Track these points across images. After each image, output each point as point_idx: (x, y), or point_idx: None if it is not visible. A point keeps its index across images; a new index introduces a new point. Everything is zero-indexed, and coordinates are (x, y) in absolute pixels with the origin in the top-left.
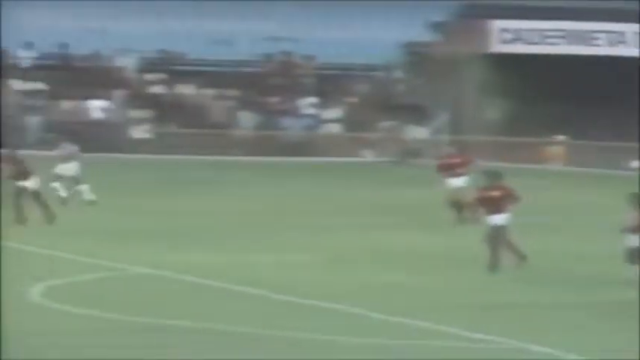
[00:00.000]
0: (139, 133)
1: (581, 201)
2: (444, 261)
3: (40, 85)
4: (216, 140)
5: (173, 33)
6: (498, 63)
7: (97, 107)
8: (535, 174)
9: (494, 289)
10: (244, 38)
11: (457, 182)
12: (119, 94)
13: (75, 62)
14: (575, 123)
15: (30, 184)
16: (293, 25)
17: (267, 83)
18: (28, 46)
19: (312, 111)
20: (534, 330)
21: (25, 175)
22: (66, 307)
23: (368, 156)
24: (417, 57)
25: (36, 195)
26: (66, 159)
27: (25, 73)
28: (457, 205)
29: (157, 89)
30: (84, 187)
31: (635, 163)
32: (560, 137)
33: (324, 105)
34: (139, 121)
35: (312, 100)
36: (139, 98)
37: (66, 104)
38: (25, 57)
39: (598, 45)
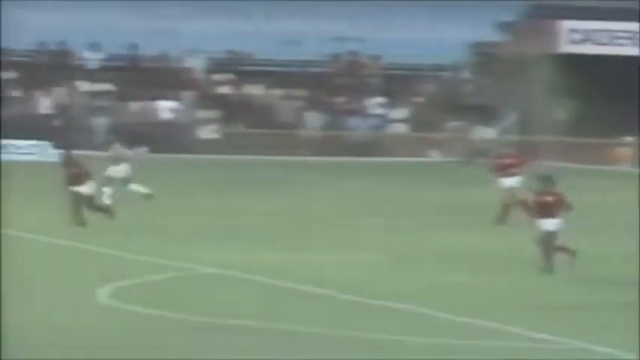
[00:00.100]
0: (207, 133)
1: None
2: (507, 261)
3: (107, 87)
4: (283, 140)
5: (241, 33)
6: (566, 63)
7: (165, 108)
8: (603, 175)
9: (552, 290)
10: (312, 38)
11: (510, 182)
12: (187, 94)
13: (143, 63)
14: None
15: (84, 189)
16: (360, 25)
17: (335, 83)
18: (95, 47)
19: (379, 111)
20: (595, 330)
21: (80, 179)
22: (135, 308)
23: (435, 156)
24: (484, 57)
25: (89, 200)
26: (117, 161)
27: (92, 75)
28: (508, 205)
29: (225, 89)
30: (135, 186)
31: None
32: (629, 138)
33: (391, 105)
34: (207, 122)
35: (380, 100)
36: (207, 99)
37: (134, 105)
38: (91, 58)
39: None
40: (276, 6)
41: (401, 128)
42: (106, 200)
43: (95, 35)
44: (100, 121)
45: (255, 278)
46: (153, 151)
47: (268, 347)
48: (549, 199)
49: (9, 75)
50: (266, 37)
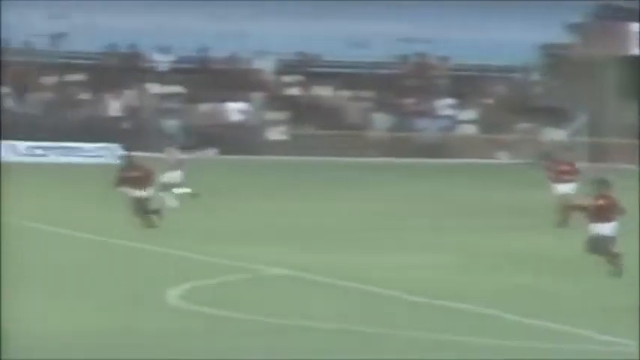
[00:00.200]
0: (275, 134)
1: None
2: (572, 263)
3: (177, 89)
4: (351, 142)
5: (310, 35)
6: (636, 65)
7: (234, 110)
8: None
9: (615, 292)
10: (380, 40)
11: (565, 189)
12: (257, 96)
13: (213, 65)
14: None
15: (141, 193)
16: (428, 26)
17: (403, 84)
18: (165, 49)
19: (448, 112)
20: None
21: (141, 182)
22: (205, 309)
23: (503, 157)
24: (554, 59)
25: (144, 204)
26: (173, 166)
27: (162, 77)
28: (567, 208)
29: (294, 91)
30: (178, 190)
31: None
32: None
33: (460, 106)
34: (276, 123)
35: (449, 101)
36: (276, 100)
37: (203, 107)
38: (161, 60)
39: None
40: (344, 7)
41: (470, 130)
42: (163, 205)
43: (165, 37)
44: (170, 124)
45: (324, 279)
46: (222, 152)
47: (336, 348)
48: (602, 202)
49: (79, 77)
50: (335, 38)
